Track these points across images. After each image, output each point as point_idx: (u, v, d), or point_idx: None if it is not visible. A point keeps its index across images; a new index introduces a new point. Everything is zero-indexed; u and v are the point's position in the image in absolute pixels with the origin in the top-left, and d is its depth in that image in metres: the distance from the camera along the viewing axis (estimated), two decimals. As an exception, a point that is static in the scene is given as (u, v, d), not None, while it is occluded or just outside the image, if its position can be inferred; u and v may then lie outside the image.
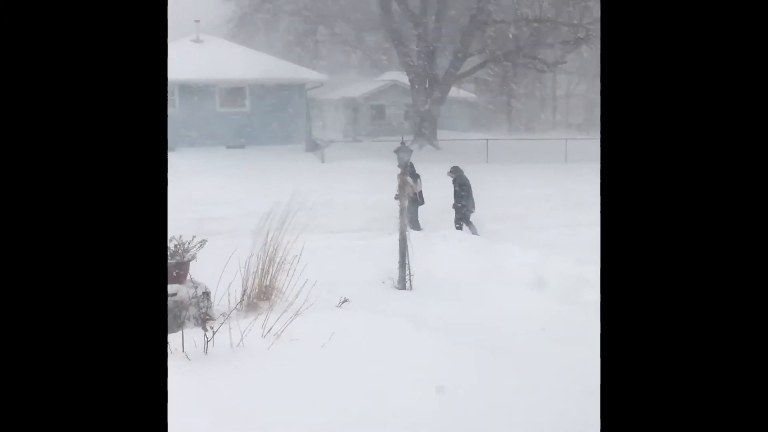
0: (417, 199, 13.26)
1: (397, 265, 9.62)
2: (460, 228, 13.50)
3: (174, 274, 6.46)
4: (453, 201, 13.60)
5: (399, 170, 10.41)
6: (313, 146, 27.41)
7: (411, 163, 13.62)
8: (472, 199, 13.58)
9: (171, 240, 6.71)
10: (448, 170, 13.84)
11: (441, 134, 32.58)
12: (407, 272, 9.58)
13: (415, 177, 13.35)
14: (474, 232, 13.33)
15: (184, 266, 6.52)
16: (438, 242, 11.71)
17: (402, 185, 10.33)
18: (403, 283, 9.55)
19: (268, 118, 27.69)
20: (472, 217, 13.61)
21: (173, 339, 5.32)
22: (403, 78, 35.60)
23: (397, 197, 13.55)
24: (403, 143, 10.36)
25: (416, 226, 13.17)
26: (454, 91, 35.36)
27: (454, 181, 13.65)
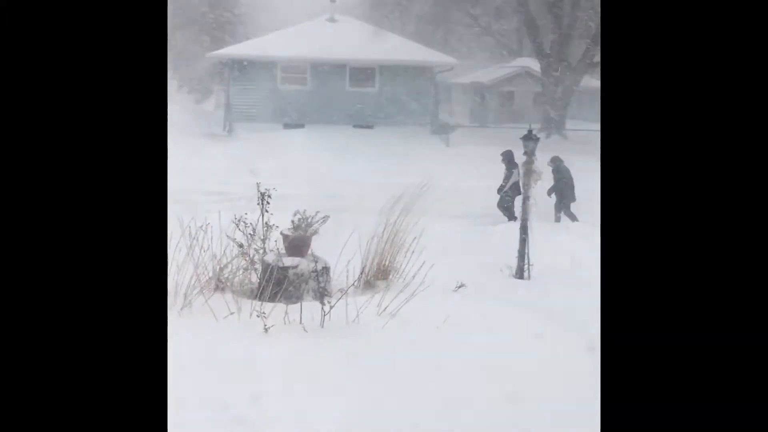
0: (515, 190, 13.05)
1: (515, 254, 9.50)
2: (558, 220, 13.29)
3: (296, 246, 6.62)
4: (550, 191, 13.37)
5: (524, 158, 10.24)
6: (440, 129, 27.38)
7: (510, 151, 13.40)
8: (572, 191, 13.29)
9: (295, 214, 6.89)
10: (548, 160, 13.56)
11: (570, 124, 31.81)
12: (526, 262, 9.45)
13: (513, 166, 13.17)
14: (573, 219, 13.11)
15: (306, 240, 6.68)
16: (558, 232, 11.45)
17: (527, 173, 10.16)
18: (521, 273, 9.42)
19: (396, 99, 27.83)
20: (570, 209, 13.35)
21: (292, 310, 5.47)
22: (534, 65, 34.92)
23: (499, 189, 13.37)
24: (530, 131, 10.17)
25: (511, 215, 13.02)
26: (586, 80, 34.40)
27: (552, 171, 13.38)
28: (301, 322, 5.34)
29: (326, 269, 6.50)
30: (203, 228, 6.07)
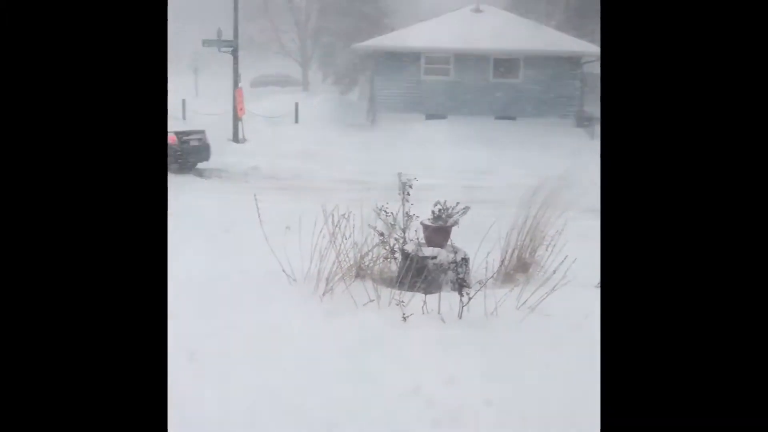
0: None
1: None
2: None
3: (436, 237, 6.65)
4: None
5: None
6: (584, 122, 26.67)
7: None
8: None
9: (436, 204, 6.91)
10: None
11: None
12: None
13: None
14: None
15: (446, 230, 6.69)
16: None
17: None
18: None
19: (540, 90, 27.33)
20: None
21: (430, 300, 5.51)
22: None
23: None
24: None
25: None
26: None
27: None
28: (439, 312, 5.36)
29: (465, 260, 6.48)
30: (345, 216, 6.21)
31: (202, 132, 17.03)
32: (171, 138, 15.06)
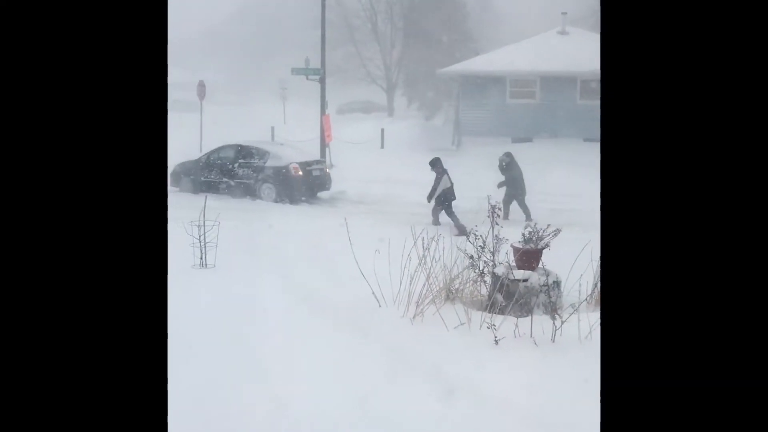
0: (447, 197, 12.64)
1: None
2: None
3: (527, 260, 6.57)
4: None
5: None
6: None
7: (438, 158, 13.11)
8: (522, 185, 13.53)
9: (526, 227, 6.84)
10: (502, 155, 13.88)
11: None
12: None
13: (443, 172, 12.72)
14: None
15: (536, 253, 6.61)
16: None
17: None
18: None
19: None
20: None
21: (522, 323, 5.43)
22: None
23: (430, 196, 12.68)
24: None
25: (436, 221, 12.51)
26: None
27: (504, 166, 13.61)
28: (531, 336, 5.28)
29: (557, 283, 6.38)
30: (435, 239, 6.21)
31: (323, 161, 17.30)
32: (294, 168, 15.37)
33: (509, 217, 12.81)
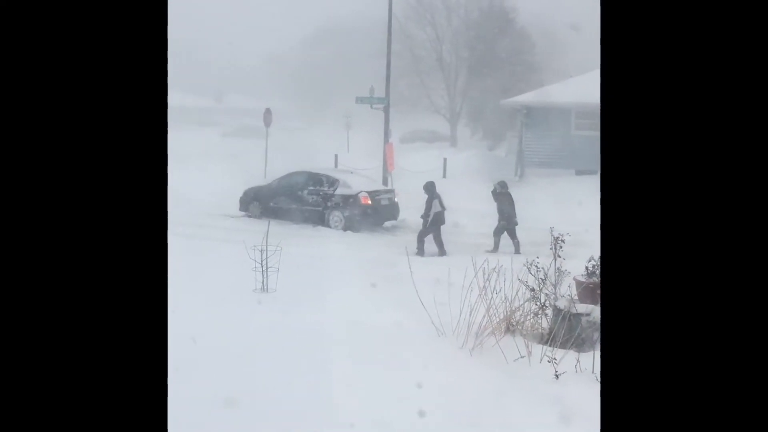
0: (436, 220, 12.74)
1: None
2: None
3: (589, 293, 6.46)
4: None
5: None
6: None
7: (432, 182, 13.37)
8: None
9: (589, 260, 6.73)
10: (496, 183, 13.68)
11: None
12: None
13: (435, 196, 12.85)
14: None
15: (600, 287, 6.48)
16: None
17: None
18: None
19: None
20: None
21: (584, 358, 5.33)
22: None
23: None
24: None
25: (421, 251, 12.43)
26: None
27: (497, 195, 13.42)
28: (593, 371, 5.17)
29: (620, 319, 6.24)
30: (496, 270, 6.15)
31: (391, 191, 17.34)
32: (364, 198, 15.51)
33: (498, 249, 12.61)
